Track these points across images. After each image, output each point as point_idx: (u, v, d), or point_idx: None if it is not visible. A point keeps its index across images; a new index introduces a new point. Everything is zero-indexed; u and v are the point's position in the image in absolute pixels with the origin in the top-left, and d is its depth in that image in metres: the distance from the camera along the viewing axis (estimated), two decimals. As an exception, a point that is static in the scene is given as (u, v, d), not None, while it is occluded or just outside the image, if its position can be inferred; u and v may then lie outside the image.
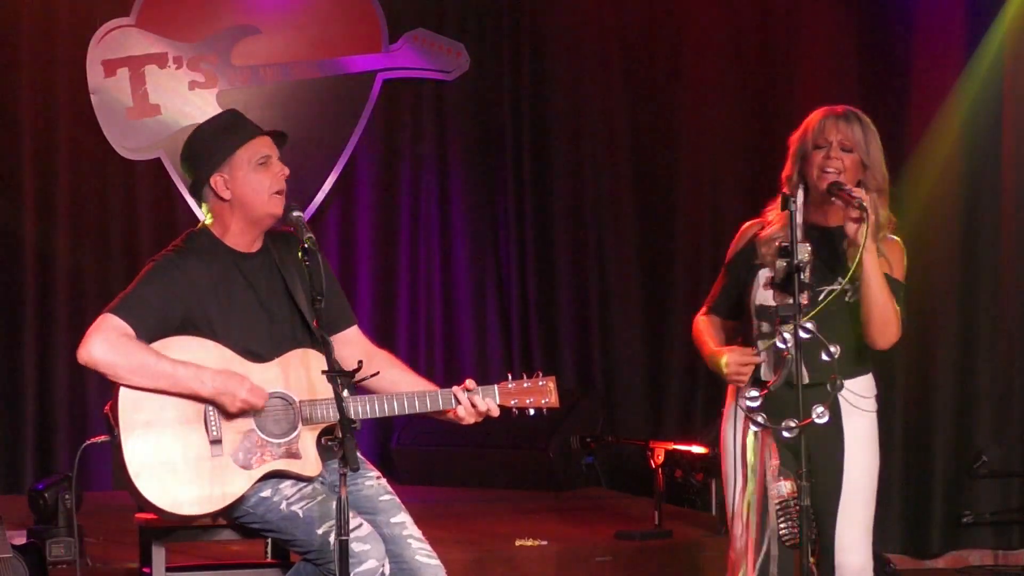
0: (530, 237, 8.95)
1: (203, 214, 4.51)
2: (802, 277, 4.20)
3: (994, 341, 7.85)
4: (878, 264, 4.37)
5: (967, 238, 7.83)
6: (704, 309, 4.66)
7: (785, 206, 4.27)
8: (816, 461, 4.38)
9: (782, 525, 4.29)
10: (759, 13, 8.52)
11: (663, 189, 8.80)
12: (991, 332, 7.85)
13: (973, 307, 7.86)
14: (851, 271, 4.38)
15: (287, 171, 4.46)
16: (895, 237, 4.55)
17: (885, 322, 4.42)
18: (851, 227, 4.36)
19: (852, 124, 4.47)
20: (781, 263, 4.26)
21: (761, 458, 4.47)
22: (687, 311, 8.62)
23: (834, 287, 4.43)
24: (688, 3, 8.67)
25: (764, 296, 4.49)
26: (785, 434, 4.16)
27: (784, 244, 4.26)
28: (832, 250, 4.48)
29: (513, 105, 8.99)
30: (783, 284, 4.29)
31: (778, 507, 4.30)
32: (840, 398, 4.40)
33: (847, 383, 4.40)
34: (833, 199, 4.41)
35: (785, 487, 4.27)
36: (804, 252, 4.23)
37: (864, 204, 4.31)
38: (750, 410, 4.26)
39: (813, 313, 4.29)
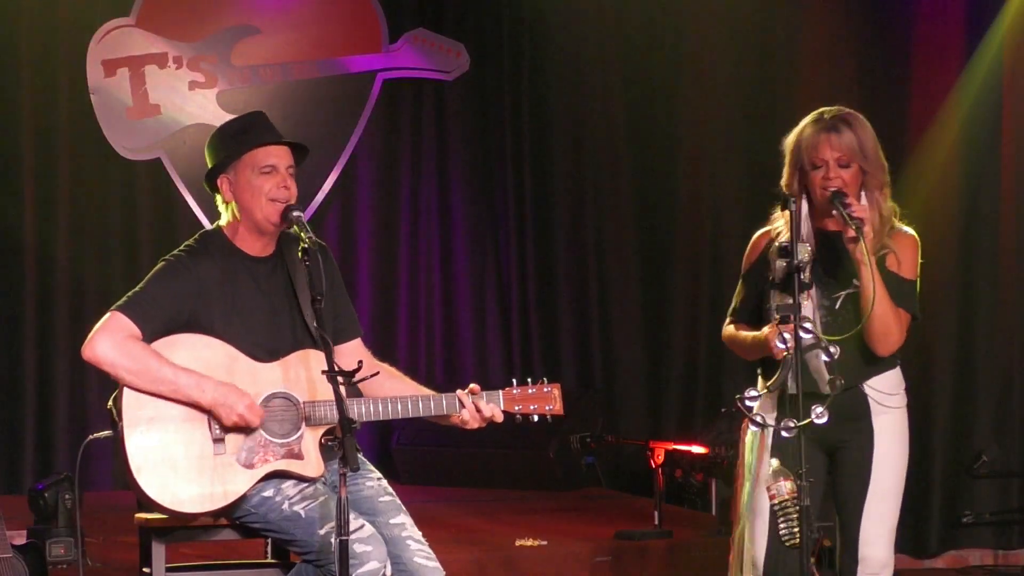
0: (530, 237, 8.94)
1: (220, 208, 4.51)
2: (802, 277, 4.22)
3: (994, 340, 7.85)
4: (876, 279, 4.36)
5: (967, 238, 7.84)
6: (728, 320, 4.67)
7: (786, 206, 4.29)
8: (846, 456, 4.51)
9: (781, 525, 4.30)
10: (759, 13, 8.52)
11: (663, 189, 8.79)
12: (991, 331, 7.85)
13: (973, 307, 7.86)
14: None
15: (292, 185, 4.43)
16: (908, 229, 4.55)
17: (885, 333, 4.45)
18: (850, 246, 4.39)
19: (843, 135, 4.43)
20: (781, 263, 4.27)
21: (759, 457, 4.48)
22: (687, 311, 8.74)
23: (850, 290, 4.46)
24: (688, 3, 8.67)
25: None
26: (784, 434, 4.18)
27: (784, 244, 4.27)
28: (841, 254, 4.48)
29: (513, 105, 8.98)
30: (783, 284, 4.30)
31: (777, 507, 4.31)
32: (868, 399, 4.49)
33: (872, 382, 4.50)
34: (833, 212, 4.41)
35: (785, 487, 4.27)
36: (804, 252, 4.24)
37: (861, 225, 4.33)
38: (749, 410, 4.27)
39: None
